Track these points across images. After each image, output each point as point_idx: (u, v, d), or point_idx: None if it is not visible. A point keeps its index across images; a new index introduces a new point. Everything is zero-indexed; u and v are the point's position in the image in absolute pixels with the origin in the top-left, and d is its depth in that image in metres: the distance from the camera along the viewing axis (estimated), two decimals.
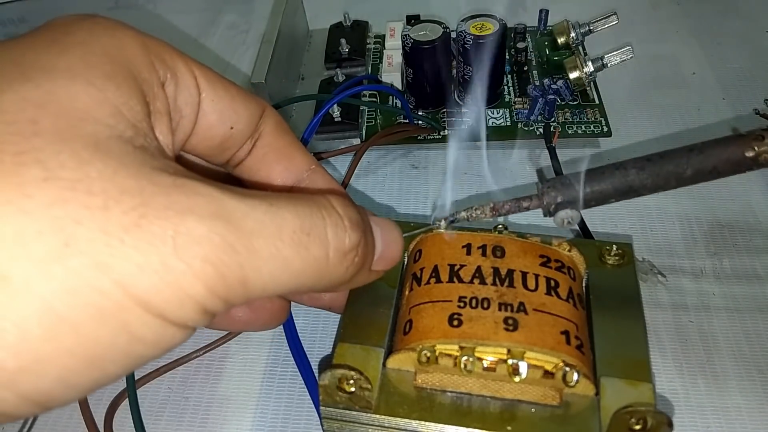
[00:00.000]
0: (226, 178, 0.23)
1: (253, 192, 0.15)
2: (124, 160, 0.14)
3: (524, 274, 0.23)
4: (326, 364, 0.27)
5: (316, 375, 0.27)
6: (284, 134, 0.23)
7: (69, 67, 0.15)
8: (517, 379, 0.21)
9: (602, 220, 0.33)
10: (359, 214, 0.19)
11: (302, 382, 0.27)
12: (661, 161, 0.21)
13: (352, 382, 0.21)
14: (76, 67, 0.15)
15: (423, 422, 0.21)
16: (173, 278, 0.13)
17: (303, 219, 0.16)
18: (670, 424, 0.20)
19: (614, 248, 0.26)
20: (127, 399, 0.25)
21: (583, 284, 0.25)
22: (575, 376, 0.21)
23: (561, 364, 0.21)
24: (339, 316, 0.24)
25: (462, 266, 0.24)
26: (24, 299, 0.12)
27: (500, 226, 0.25)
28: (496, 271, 0.23)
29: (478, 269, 0.23)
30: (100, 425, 0.25)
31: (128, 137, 0.15)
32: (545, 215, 0.22)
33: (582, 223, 0.31)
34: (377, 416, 0.22)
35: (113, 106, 0.15)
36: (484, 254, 0.24)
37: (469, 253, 0.24)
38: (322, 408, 0.22)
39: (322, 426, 0.23)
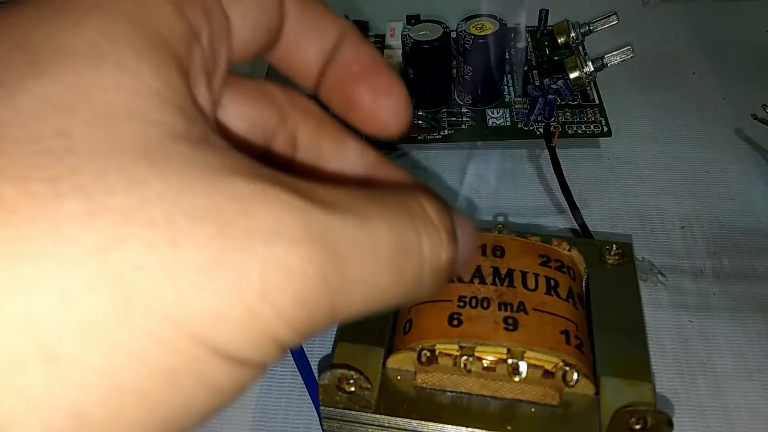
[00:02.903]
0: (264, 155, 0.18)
1: (335, 193, 0.12)
2: (187, 170, 0.11)
3: (524, 274, 0.23)
4: (326, 363, 0.27)
5: (316, 375, 0.27)
6: (308, 6, 0.17)
7: (91, 45, 0.11)
8: (516, 378, 0.21)
9: (602, 220, 0.33)
10: (452, 221, 0.15)
11: (302, 382, 0.26)
12: None
13: (352, 381, 0.21)
14: (98, 44, 0.11)
15: (423, 422, 0.21)
16: (259, 326, 0.11)
17: (398, 234, 0.13)
18: (670, 424, 0.20)
19: (614, 248, 0.26)
20: None
21: (583, 284, 0.25)
22: (575, 375, 0.21)
23: (561, 363, 0.21)
24: None
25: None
26: (78, 377, 0.10)
27: (500, 225, 0.25)
28: (495, 271, 0.23)
29: (478, 269, 0.23)
30: None
31: (181, 131, 0.11)
32: None
33: (582, 223, 0.31)
34: (377, 416, 0.22)
35: (154, 92, 0.11)
36: (483, 254, 0.24)
37: None
38: (322, 408, 0.22)
39: (322, 426, 0.23)
